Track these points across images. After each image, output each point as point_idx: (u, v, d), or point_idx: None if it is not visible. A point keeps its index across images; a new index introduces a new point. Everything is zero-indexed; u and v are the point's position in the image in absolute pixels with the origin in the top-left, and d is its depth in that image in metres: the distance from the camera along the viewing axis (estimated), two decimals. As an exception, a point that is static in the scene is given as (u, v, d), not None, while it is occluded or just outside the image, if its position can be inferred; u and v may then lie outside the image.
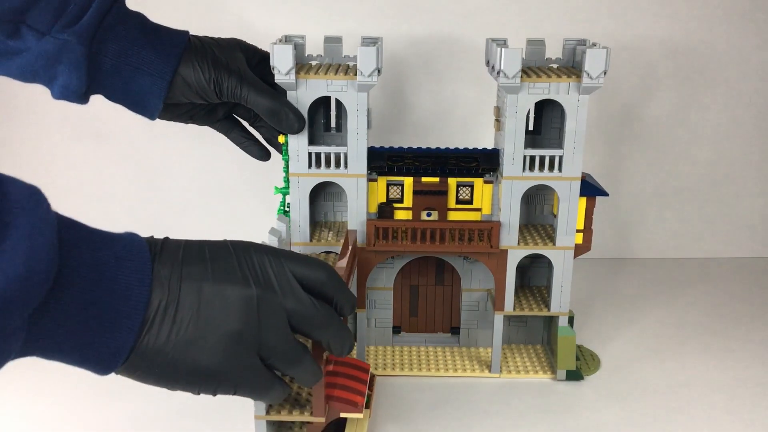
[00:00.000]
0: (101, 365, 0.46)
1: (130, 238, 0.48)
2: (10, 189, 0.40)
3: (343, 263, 0.65)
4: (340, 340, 0.55)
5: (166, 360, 0.48)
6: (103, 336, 0.45)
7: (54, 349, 0.44)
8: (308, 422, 0.63)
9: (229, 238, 0.53)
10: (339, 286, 0.55)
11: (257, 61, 0.75)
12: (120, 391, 0.76)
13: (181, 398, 0.74)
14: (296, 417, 0.62)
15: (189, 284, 0.48)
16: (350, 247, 0.71)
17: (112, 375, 0.47)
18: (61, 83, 0.64)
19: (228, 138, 0.81)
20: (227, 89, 0.69)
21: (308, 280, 0.53)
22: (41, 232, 0.40)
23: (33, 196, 0.41)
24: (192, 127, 0.80)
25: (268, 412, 0.62)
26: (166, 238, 0.51)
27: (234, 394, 0.52)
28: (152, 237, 0.50)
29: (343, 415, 0.64)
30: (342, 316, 0.56)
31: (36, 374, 0.79)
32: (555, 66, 0.77)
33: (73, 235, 0.44)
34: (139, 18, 0.68)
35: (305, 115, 0.73)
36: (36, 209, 0.40)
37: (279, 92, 0.72)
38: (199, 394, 0.51)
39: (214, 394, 0.52)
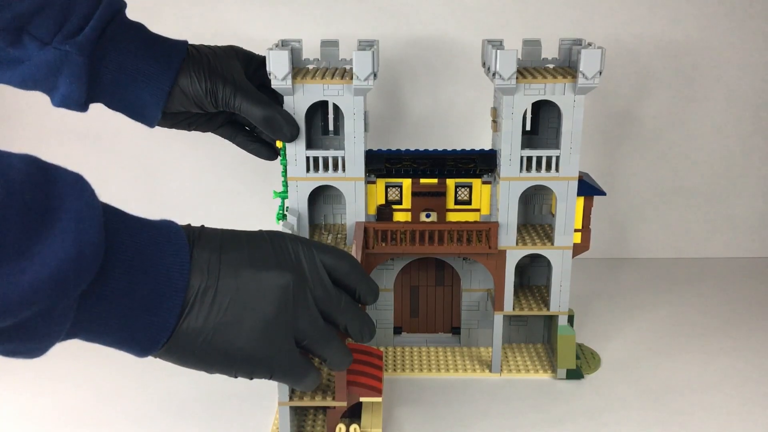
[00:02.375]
0: (142, 346, 0.48)
1: (167, 224, 0.49)
2: (57, 176, 0.41)
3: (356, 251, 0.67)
4: (360, 325, 0.57)
5: (204, 342, 0.49)
6: (145, 317, 0.46)
7: (98, 330, 0.46)
8: (328, 408, 0.65)
9: None
10: (361, 275, 0.57)
11: (255, 66, 0.75)
12: (122, 389, 0.77)
13: (189, 394, 0.75)
14: (319, 402, 0.64)
15: (227, 269, 0.50)
16: (362, 238, 0.73)
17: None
18: (62, 93, 0.65)
19: (234, 143, 0.81)
20: (222, 99, 0.70)
21: (334, 270, 0.55)
22: (89, 216, 0.42)
23: (78, 182, 0.42)
24: (191, 132, 0.80)
25: (291, 398, 0.63)
26: (203, 226, 0.53)
27: (270, 378, 0.54)
28: (189, 225, 0.52)
29: (362, 399, 0.65)
30: (366, 304, 0.59)
31: (36, 374, 0.80)
32: (552, 66, 0.78)
33: (114, 219, 0.45)
34: (140, 29, 0.69)
35: (302, 119, 0.73)
36: (83, 194, 0.42)
37: (275, 99, 0.73)
38: (236, 377, 0.53)
39: (251, 378, 0.53)
